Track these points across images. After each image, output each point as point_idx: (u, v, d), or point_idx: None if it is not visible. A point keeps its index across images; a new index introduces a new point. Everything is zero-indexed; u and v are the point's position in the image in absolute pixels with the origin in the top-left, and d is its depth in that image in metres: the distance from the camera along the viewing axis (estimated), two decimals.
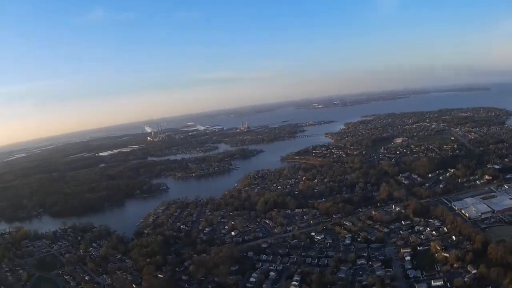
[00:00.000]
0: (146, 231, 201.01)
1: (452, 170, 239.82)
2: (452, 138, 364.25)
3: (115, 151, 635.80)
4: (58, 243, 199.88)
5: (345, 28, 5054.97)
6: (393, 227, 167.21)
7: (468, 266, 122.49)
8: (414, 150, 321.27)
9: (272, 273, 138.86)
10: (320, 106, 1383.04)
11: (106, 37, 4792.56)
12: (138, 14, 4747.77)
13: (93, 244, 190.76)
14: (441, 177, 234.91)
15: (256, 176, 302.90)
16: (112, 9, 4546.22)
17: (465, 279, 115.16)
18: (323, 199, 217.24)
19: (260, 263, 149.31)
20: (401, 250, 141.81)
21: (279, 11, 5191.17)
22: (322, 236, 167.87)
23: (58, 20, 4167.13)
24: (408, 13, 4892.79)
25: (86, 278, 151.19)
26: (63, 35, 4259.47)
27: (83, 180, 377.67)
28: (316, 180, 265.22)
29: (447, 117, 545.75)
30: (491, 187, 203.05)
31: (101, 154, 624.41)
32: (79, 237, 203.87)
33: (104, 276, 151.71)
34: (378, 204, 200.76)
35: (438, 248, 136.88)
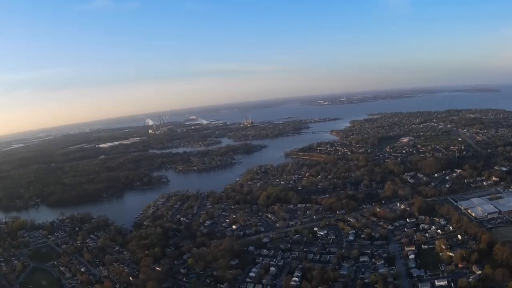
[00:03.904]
0: (145, 223, 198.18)
1: (458, 171, 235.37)
2: (460, 139, 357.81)
3: (116, 143, 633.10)
4: (55, 233, 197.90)
5: (354, 25, 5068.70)
6: (397, 224, 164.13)
7: (473, 267, 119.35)
8: (420, 150, 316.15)
9: (272, 268, 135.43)
10: (326, 103, 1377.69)
11: (111, 26, 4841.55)
12: (144, 3, 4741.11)
13: (91, 235, 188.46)
14: (447, 177, 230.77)
15: (259, 171, 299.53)
16: None
17: (470, 279, 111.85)
18: (327, 195, 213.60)
19: (261, 258, 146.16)
20: (406, 248, 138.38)
21: (289, 5, 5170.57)
22: (325, 231, 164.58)
23: (61, 8, 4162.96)
24: (418, 11, 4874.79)
25: (82, 270, 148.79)
26: (66, 24, 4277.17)
27: (82, 171, 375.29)
28: (320, 176, 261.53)
29: (455, 117, 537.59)
30: (498, 189, 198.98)
31: (101, 145, 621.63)
32: (77, 228, 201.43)
33: (101, 268, 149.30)
34: (383, 201, 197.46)
35: (443, 247, 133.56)
